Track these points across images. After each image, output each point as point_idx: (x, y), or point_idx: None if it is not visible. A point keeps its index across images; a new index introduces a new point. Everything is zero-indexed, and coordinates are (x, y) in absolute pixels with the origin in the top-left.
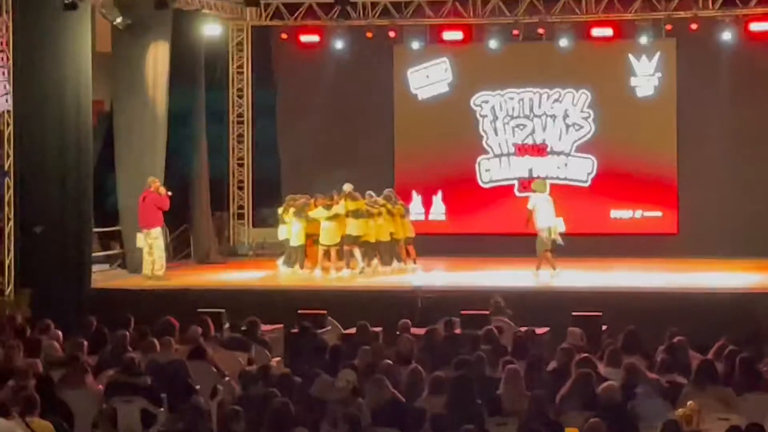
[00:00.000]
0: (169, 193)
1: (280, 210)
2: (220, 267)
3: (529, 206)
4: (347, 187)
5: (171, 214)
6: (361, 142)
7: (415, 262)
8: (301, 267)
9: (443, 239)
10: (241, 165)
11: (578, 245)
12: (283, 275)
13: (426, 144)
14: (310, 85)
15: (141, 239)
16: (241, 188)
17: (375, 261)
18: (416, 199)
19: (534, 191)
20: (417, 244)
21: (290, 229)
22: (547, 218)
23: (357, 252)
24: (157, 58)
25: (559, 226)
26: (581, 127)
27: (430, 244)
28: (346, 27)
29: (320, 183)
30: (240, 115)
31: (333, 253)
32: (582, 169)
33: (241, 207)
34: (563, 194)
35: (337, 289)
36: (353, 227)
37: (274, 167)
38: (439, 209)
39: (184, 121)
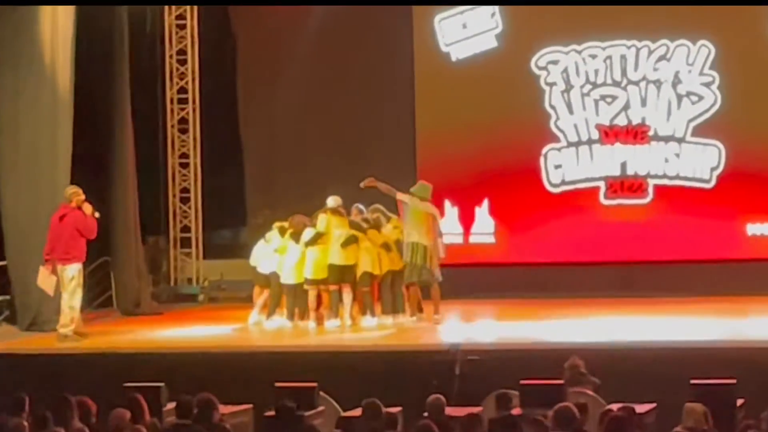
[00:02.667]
0: (97, 214)
1: (275, 228)
2: (156, 319)
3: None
4: (332, 201)
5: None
6: (365, 129)
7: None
8: (300, 317)
9: (492, 272)
10: (185, 166)
11: (697, 276)
12: (255, 330)
13: (464, 129)
14: (287, 43)
15: (46, 276)
16: (185, 201)
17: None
18: (451, 213)
19: (412, 196)
20: (455, 279)
21: (283, 260)
22: (417, 233)
23: (346, 295)
24: (57, 14)
25: (440, 249)
26: (701, 98)
27: (472, 278)
28: None
29: (302, 191)
30: (182, 91)
31: (325, 295)
32: (703, 163)
33: (186, 229)
34: (674, 200)
35: (334, 350)
36: (337, 253)
37: (235, 169)
38: (484, 227)
39: (99, 102)
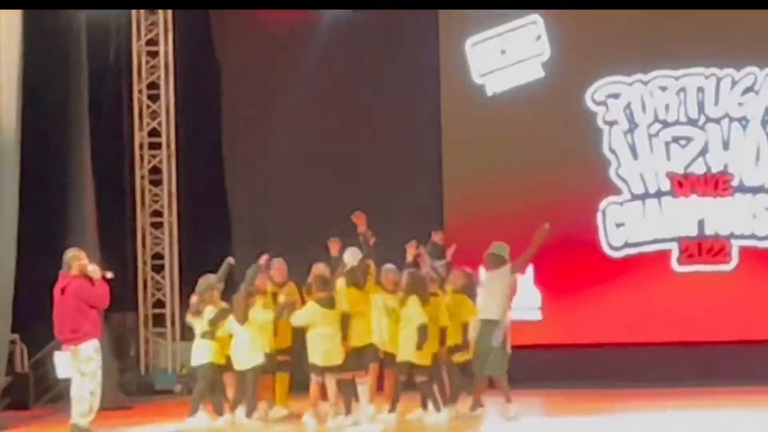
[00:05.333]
0: (108, 275)
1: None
2: (123, 414)
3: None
4: (350, 256)
5: (31, 317)
6: (381, 178)
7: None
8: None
9: (538, 356)
10: (157, 226)
11: None
12: (249, 425)
13: (502, 179)
14: (283, 74)
15: (64, 362)
16: (158, 269)
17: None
18: None
19: (490, 259)
20: None
21: (219, 344)
22: (496, 306)
23: (364, 385)
24: (0, 35)
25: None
26: None
27: (514, 363)
28: None
29: (303, 255)
30: (155, 134)
31: (331, 384)
32: None
33: (159, 303)
34: (764, 267)
35: None
36: (360, 331)
37: (220, 229)
38: (529, 300)
39: (53, 148)
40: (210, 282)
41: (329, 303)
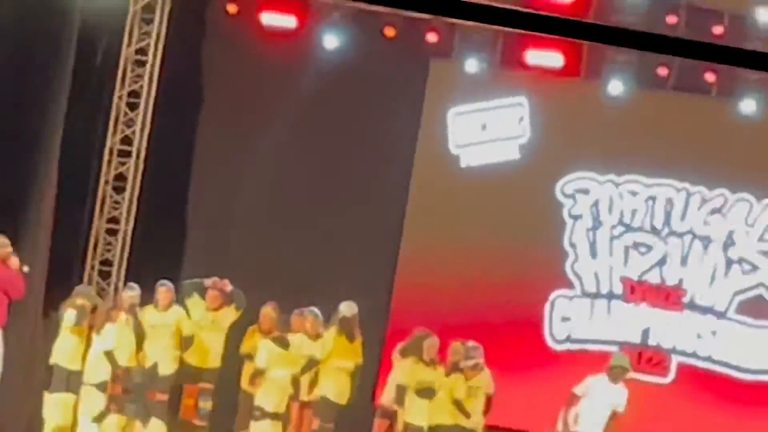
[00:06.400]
0: (25, 269)
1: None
2: None
3: (578, 391)
4: (346, 308)
5: None
6: (340, 228)
7: None
8: None
9: None
10: (112, 233)
11: None
12: None
13: (459, 254)
14: (264, 114)
15: None
16: (105, 276)
17: None
18: None
19: (617, 372)
20: None
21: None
22: (594, 422)
23: None
24: None
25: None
26: (755, 268)
27: None
28: (351, 11)
29: (258, 286)
30: (126, 141)
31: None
32: (745, 348)
33: None
34: (701, 387)
35: None
36: (336, 388)
37: (174, 244)
38: None
39: (22, 132)
40: (84, 290)
41: (283, 343)
